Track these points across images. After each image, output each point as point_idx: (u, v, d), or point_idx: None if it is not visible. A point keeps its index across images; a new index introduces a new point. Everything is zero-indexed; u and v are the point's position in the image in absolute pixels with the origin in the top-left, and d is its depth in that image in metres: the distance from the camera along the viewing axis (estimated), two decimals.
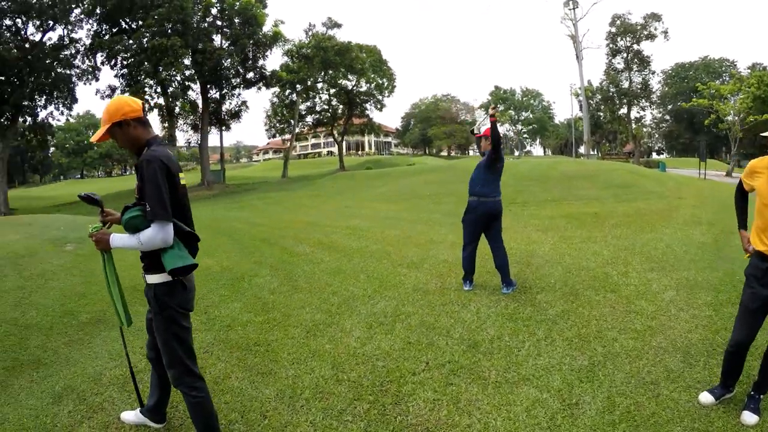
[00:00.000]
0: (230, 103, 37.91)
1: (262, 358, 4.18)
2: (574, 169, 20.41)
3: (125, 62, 30.72)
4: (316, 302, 5.67)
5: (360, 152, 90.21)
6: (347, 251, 8.37)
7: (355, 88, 45.09)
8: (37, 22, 29.39)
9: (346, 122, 47.61)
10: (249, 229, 11.51)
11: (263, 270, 7.26)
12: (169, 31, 29.07)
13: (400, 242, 9.07)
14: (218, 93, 36.48)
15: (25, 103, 29.38)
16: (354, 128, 51.32)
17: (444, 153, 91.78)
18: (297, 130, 45.86)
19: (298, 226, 11.76)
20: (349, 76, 43.84)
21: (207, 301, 5.85)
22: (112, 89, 32.04)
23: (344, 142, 53.83)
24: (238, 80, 36.22)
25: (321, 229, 10.90)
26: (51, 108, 31.94)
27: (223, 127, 38.02)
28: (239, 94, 38.11)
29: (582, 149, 50.28)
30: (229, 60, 33.82)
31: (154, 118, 32.05)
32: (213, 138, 69.72)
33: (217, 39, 34.69)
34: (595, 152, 68.29)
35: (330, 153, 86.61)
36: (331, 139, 64.39)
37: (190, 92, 34.59)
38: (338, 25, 42.96)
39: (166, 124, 33.25)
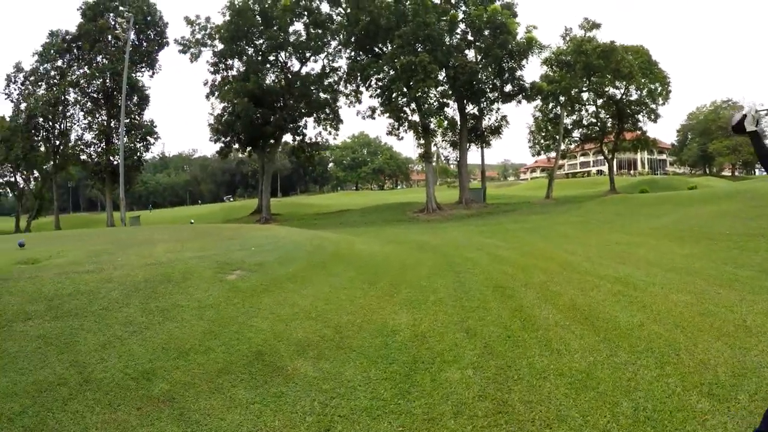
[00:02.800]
0: (489, 119, 36.72)
1: None
2: None
3: (379, 83, 32.76)
4: None
5: (632, 171, 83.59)
6: (610, 332, 5.01)
7: (624, 96, 40.32)
8: (296, 55, 36.05)
9: (617, 137, 42.71)
10: (487, 265, 9.23)
11: (468, 353, 4.63)
12: (418, 48, 29.73)
13: (692, 321, 5.26)
14: (476, 108, 35.66)
15: (290, 125, 35.68)
16: (625, 144, 45.73)
17: (726, 172, 79.66)
18: (563, 146, 42.76)
19: (550, 267, 8.83)
20: (617, 83, 39.42)
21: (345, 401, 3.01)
22: (372, 110, 35.10)
23: (614, 160, 48.57)
24: (496, 94, 34.76)
25: (578, 279, 7.68)
26: (319, 128, 38.77)
27: (483, 144, 36.57)
28: (498, 109, 36.67)
29: None
30: (483, 73, 32.63)
31: (409, 137, 33.63)
32: (475, 156, 70.09)
33: (470, 53, 33.81)
34: None
35: (600, 172, 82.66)
36: (600, 157, 58.16)
37: (447, 109, 34.61)
38: (597, 26, 38.96)
39: (422, 141, 32.73)
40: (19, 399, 3.62)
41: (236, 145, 37.82)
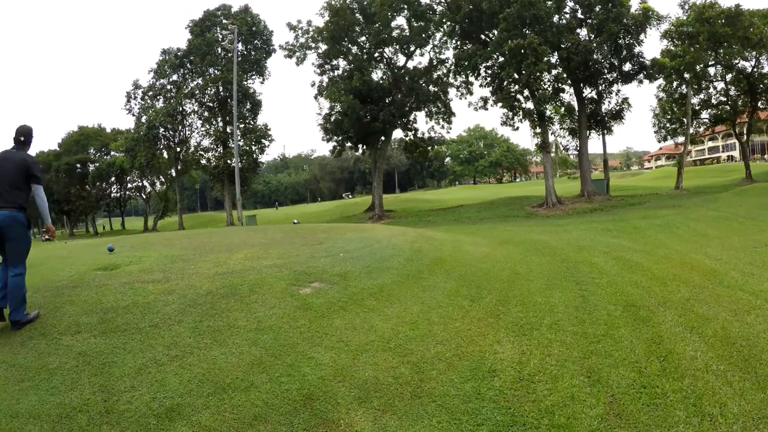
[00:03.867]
0: (609, 102, 33.86)
1: None
2: None
3: (488, 71, 31.41)
4: None
5: (766, 156, 76.53)
6: None
7: (755, 69, 36.39)
8: (401, 50, 36.17)
9: (750, 117, 39.40)
10: (615, 275, 7.66)
11: (588, 413, 3.51)
12: (526, 31, 27.99)
13: None
14: (594, 91, 33.26)
15: (399, 121, 35.36)
16: (761, 124, 42.79)
17: None
18: (691, 130, 38.74)
19: (691, 278, 7.30)
20: (746, 53, 35.31)
21: None
22: (484, 100, 33.44)
23: (749, 144, 44.31)
24: (614, 74, 32.19)
25: (728, 296, 6.22)
26: (432, 123, 37.92)
27: (604, 131, 34.21)
28: (618, 91, 33.76)
29: None
30: (599, 52, 30.15)
31: (525, 126, 31.42)
32: (596, 144, 65.49)
33: (582, 32, 31.63)
34: None
35: (730, 158, 77.74)
36: (731, 141, 51.64)
37: (562, 94, 32.72)
38: None
39: (538, 130, 31.10)
40: (39, 423, 3.42)
41: (348, 144, 38.82)
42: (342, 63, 37.65)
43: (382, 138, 37.30)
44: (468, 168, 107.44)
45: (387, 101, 35.30)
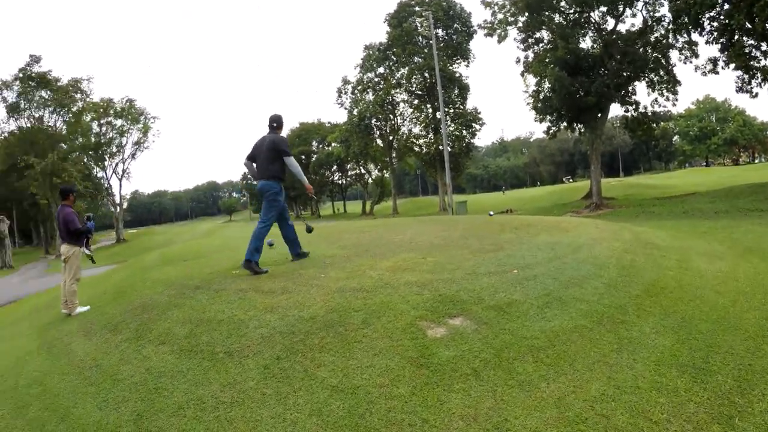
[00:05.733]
0: None
1: None
2: None
3: (713, 23, 25.74)
4: None
5: None
6: None
7: None
8: (609, 12, 31.56)
9: None
10: None
11: None
12: None
13: None
14: None
15: (615, 93, 31.05)
16: None
17: None
18: None
19: None
20: None
21: None
22: (713, 61, 27.33)
23: None
24: None
25: None
26: (654, 94, 32.42)
27: None
28: None
29: None
30: None
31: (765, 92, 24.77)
32: None
33: None
34: None
35: None
36: None
37: None
38: None
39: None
40: None
41: (563, 123, 35.36)
42: (545, 34, 34.40)
43: (599, 115, 32.91)
44: (699, 147, 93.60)
45: (599, 72, 31.15)
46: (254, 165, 7.05)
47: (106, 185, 57.98)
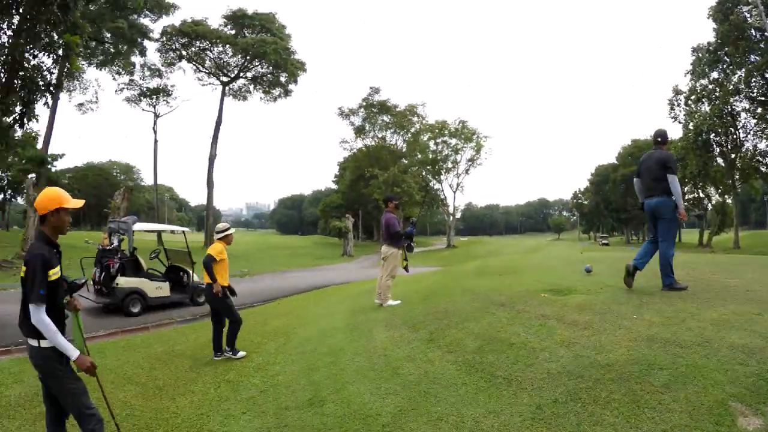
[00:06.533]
0: None
1: None
2: None
3: None
4: None
5: None
6: None
7: None
8: None
9: None
10: None
11: None
12: None
13: None
14: None
15: None
16: None
17: None
18: None
19: None
20: None
21: None
22: None
23: None
24: None
25: None
26: None
27: None
28: None
29: None
30: None
31: None
32: None
33: None
34: None
35: None
36: None
37: None
38: None
39: None
40: None
41: None
42: None
43: None
44: None
45: None
46: (638, 181, 7.01)
47: (441, 196, 67.87)
